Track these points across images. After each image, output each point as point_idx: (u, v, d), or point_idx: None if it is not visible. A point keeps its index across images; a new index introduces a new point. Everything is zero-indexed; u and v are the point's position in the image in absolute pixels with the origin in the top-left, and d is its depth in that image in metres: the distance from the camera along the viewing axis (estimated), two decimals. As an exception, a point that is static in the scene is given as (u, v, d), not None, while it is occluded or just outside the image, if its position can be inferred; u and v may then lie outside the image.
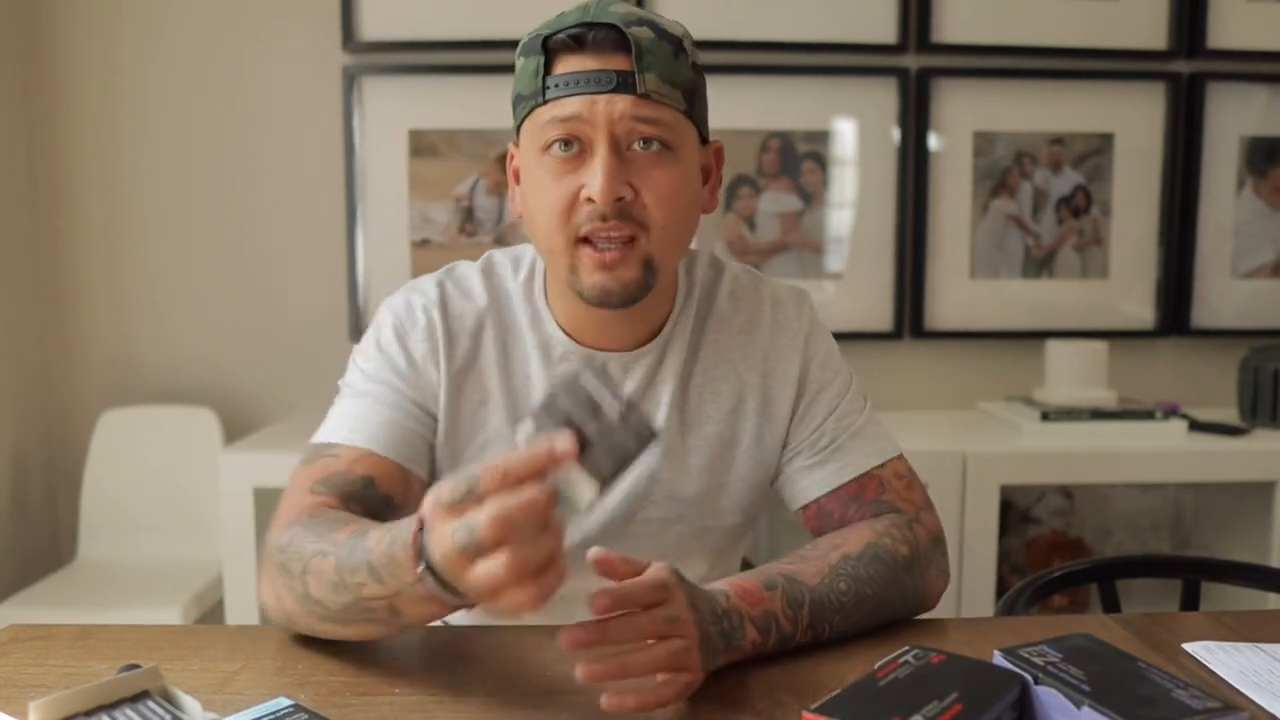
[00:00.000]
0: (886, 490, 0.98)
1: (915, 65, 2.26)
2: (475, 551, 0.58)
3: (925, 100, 2.26)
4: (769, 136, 2.27)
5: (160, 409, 2.24)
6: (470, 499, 0.58)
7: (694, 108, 0.90)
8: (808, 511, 1.00)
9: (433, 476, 0.97)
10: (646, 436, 0.60)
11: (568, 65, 0.87)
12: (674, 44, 0.88)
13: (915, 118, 2.27)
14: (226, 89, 2.26)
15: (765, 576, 0.83)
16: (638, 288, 0.89)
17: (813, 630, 0.83)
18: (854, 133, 2.28)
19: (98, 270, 2.29)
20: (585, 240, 0.88)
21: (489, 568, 0.57)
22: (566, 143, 0.87)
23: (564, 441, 0.58)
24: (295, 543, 0.80)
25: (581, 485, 0.59)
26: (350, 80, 2.22)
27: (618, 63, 0.86)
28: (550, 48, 0.87)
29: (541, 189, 0.89)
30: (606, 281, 0.88)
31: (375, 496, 0.90)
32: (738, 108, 2.24)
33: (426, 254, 2.27)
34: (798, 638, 0.82)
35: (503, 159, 2.22)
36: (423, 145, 2.24)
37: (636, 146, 0.87)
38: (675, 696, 0.71)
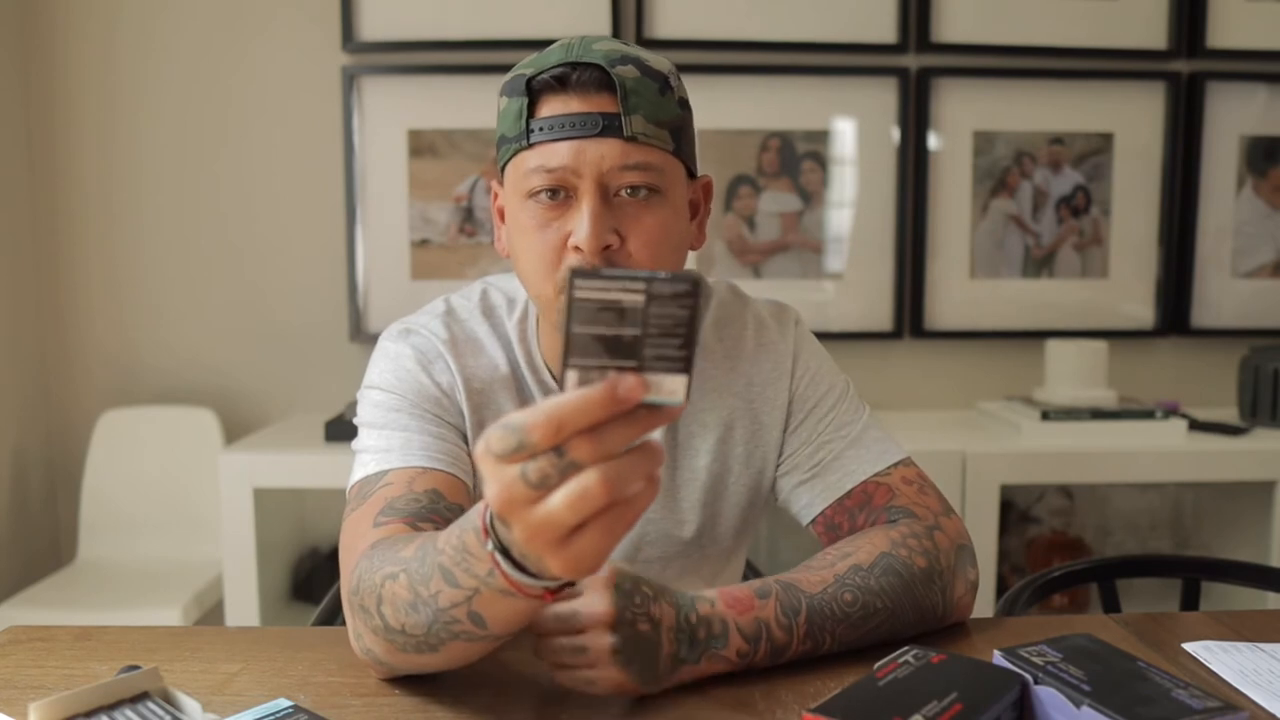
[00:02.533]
0: (897, 496, 0.94)
1: (915, 65, 2.26)
2: (555, 483, 0.52)
3: (925, 100, 2.26)
4: (769, 136, 2.27)
5: (160, 409, 2.24)
6: (522, 453, 0.52)
7: (681, 145, 0.89)
8: (816, 527, 0.98)
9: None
10: (689, 290, 0.52)
11: (552, 107, 0.85)
12: (660, 81, 0.86)
13: (915, 117, 2.27)
14: (226, 89, 2.26)
15: (759, 585, 0.80)
16: None
17: (811, 640, 0.80)
18: (854, 132, 2.28)
19: (98, 270, 2.29)
20: None
21: (581, 485, 0.51)
22: (553, 191, 0.85)
23: (627, 384, 0.51)
24: (365, 578, 0.73)
25: (665, 384, 0.53)
26: (350, 80, 2.22)
27: (603, 104, 0.84)
28: (534, 88, 0.85)
29: (527, 235, 0.87)
30: None
31: (446, 508, 0.84)
32: (738, 108, 2.25)
33: (426, 254, 2.27)
34: (794, 647, 0.79)
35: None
36: (422, 145, 2.24)
37: (624, 193, 0.85)
38: (573, 685, 0.73)
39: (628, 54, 0.86)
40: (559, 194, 0.85)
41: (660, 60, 0.89)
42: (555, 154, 0.84)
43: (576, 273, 0.52)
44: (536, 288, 0.89)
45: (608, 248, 0.85)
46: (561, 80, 0.85)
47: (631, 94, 0.84)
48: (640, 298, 0.52)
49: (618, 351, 0.53)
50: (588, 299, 0.53)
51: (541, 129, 0.85)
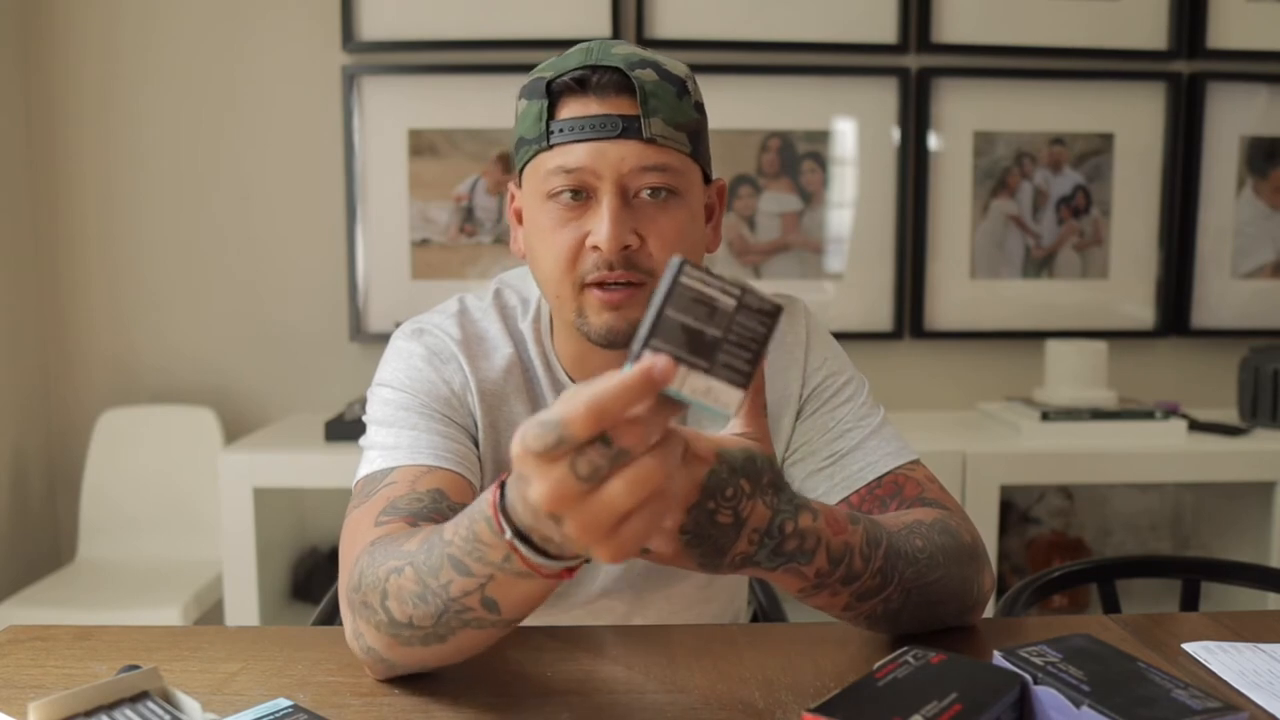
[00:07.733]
0: (926, 491, 0.93)
1: (915, 65, 2.26)
2: (606, 474, 0.52)
3: (925, 100, 2.26)
4: (769, 136, 2.27)
5: (160, 409, 2.24)
6: (563, 448, 0.51)
7: (698, 149, 0.90)
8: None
9: None
10: (771, 312, 0.55)
11: (571, 109, 0.86)
12: (677, 85, 0.87)
13: (915, 118, 2.27)
14: (226, 89, 2.26)
15: (848, 511, 0.76)
16: None
17: (882, 576, 0.75)
18: (854, 133, 2.28)
19: (98, 270, 2.29)
20: (592, 284, 0.87)
21: (642, 469, 0.52)
22: (574, 192, 0.86)
23: (660, 364, 0.52)
24: (367, 573, 0.73)
25: (723, 393, 0.55)
26: (350, 80, 2.22)
27: (622, 106, 0.85)
28: (554, 90, 0.87)
29: (545, 235, 0.88)
30: (614, 321, 0.87)
31: (449, 508, 0.83)
32: (738, 108, 2.25)
33: (426, 254, 2.27)
34: (865, 580, 0.75)
35: (502, 158, 2.23)
36: (423, 145, 2.24)
37: (644, 194, 0.87)
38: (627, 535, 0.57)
39: (646, 58, 0.87)
40: (580, 195, 0.87)
41: (678, 65, 0.90)
42: (575, 155, 0.86)
43: (687, 261, 0.55)
44: (555, 288, 0.90)
45: (627, 248, 0.86)
46: (581, 82, 0.86)
47: (651, 97, 0.85)
48: (733, 302, 0.55)
49: (696, 348, 0.55)
50: (690, 287, 0.55)
51: (561, 130, 0.86)
